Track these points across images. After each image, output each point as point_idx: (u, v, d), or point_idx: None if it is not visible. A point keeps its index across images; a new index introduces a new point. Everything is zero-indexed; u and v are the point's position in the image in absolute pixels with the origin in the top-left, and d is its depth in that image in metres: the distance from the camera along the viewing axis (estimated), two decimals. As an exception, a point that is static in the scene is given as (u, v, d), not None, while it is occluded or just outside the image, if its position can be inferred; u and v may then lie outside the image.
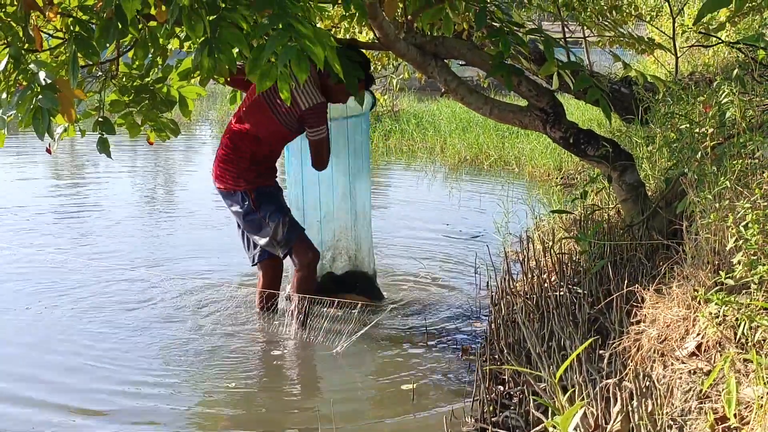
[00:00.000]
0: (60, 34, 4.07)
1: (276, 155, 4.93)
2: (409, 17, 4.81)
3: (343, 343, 4.55)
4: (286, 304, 4.97)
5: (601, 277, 4.31)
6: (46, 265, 6.22)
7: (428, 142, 12.22)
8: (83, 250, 6.70)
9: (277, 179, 5.00)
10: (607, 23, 7.07)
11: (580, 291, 4.31)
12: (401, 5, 4.80)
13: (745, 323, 2.52)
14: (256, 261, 5.00)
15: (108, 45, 3.61)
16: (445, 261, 6.39)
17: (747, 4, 6.15)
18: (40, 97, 3.35)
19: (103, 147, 4.26)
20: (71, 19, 3.71)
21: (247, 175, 4.77)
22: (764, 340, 2.52)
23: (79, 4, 3.82)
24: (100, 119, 4.25)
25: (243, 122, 4.81)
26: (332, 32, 5.91)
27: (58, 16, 3.77)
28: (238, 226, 4.96)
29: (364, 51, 5.06)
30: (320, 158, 4.79)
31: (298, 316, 4.78)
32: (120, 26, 3.37)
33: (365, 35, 6.28)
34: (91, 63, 4.02)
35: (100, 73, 4.39)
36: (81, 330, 4.99)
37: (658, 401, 2.70)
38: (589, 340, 2.59)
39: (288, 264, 4.99)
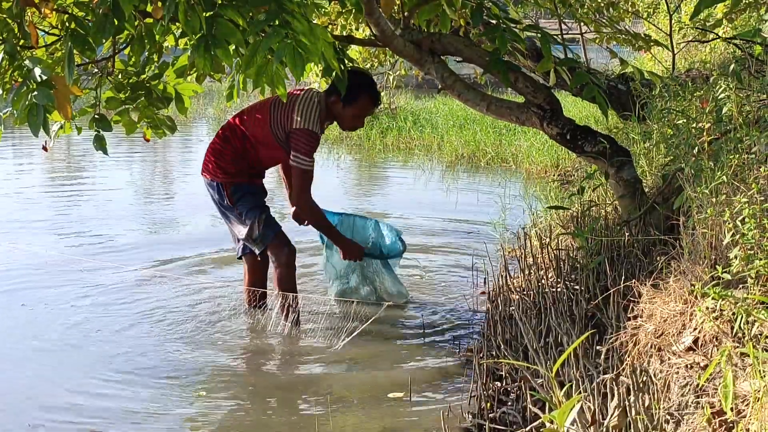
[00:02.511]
0: (56, 31, 4.07)
1: (263, 164, 4.89)
2: (406, 14, 4.81)
3: (341, 341, 4.54)
4: (275, 302, 4.96)
5: (598, 273, 4.32)
6: (40, 261, 6.22)
7: (425, 140, 12.22)
8: (78, 245, 6.71)
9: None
10: (604, 20, 7.07)
11: (577, 287, 4.32)
12: (398, 2, 4.80)
13: (741, 317, 2.52)
14: (240, 254, 5.00)
15: (104, 41, 3.61)
16: (442, 257, 6.38)
17: (743, 1, 6.16)
18: (35, 93, 3.35)
19: (100, 144, 4.26)
20: (67, 15, 3.71)
21: (228, 168, 4.74)
22: (761, 334, 2.52)
23: (75, 0, 3.81)
24: (96, 116, 4.25)
25: (242, 118, 4.80)
26: (329, 29, 5.91)
27: (54, 12, 3.77)
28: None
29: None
30: (300, 191, 4.68)
31: (288, 315, 4.77)
32: (116, 23, 3.37)
33: (362, 32, 6.28)
34: (87, 60, 4.02)
35: (96, 70, 4.38)
36: (62, 327, 5.00)
37: (655, 396, 2.70)
38: (587, 334, 2.59)
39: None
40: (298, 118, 4.59)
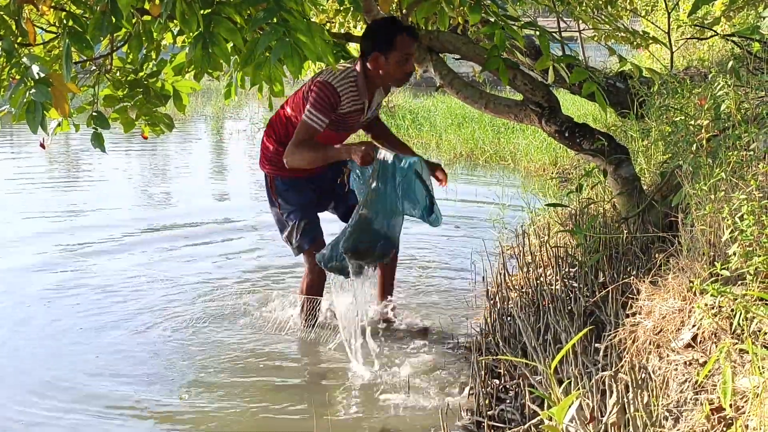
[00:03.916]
0: (53, 28, 4.06)
1: None
2: (404, 11, 4.81)
3: (337, 340, 4.54)
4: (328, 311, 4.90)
5: (596, 270, 4.31)
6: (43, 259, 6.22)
7: (424, 138, 12.22)
8: (77, 241, 6.72)
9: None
10: (602, 17, 7.07)
11: (575, 284, 4.31)
12: (396, -1, 4.79)
13: (740, 314, 2.52)
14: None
15: (102, 39, 3.61)
16: (440, 255, 6.38)
17: (741, -2, 6.17)
18: (33, 91, 3.34)
19: (98, 142, 4.26)
20: (65, 12, 3.70)
21: (271, 158, 4.53)
22: (759, 331, 2.52)
23: (73, -2, 3.81)
24: (94, 114, 4.25)
25: (285, 106, 4.53)
26: (327, 26, 5.90)
27: (52, 9, 3.76)
28: None
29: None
30: (296, 143, 4.20)
31: (306, 319, 4.73)
32: (114, 20, 3.36)
33: (360, 29, 6.27)
34: (85, 57, 4.01)
35: (93, 68, 4.38)
36: (51, 323, 5.01)
37: (654, 393, 2.70)
38: (585, 330, 2.59)
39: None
40: (323, 75, 4.29)
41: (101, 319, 5.07)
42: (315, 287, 4.69)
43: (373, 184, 4.10)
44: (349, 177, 4.47)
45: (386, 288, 4.95)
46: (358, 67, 4.32)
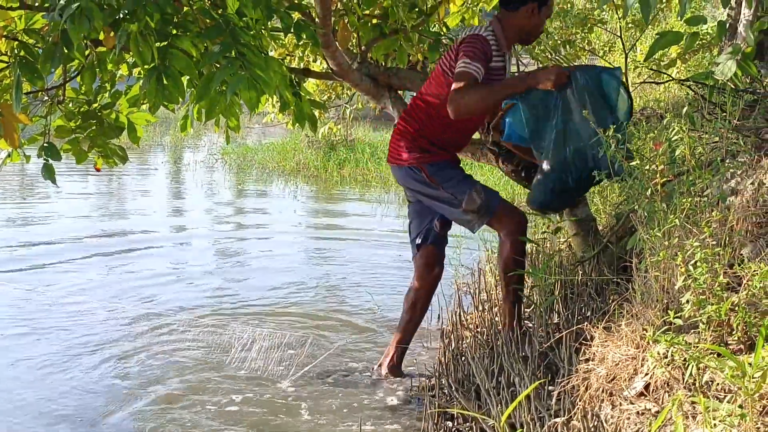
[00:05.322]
0: (5, 58, 3.98)
1: (454, 131, 4.28)
2: (363, 48, 4.81)
3: (290, 375, 4.47)
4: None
5: (551, 311, 4.30)
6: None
7: (382, 172, 12.24)
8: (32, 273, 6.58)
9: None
10: (559, 58, 7.13)
11: (530, 325, 4.29)
12: (355, 36, 4.79)
13: (692, 365, 2.50)
14: (415, 253, 4.54)
15: (53, 70, 3.54)
16: (396, 293, 6.33)
17: (697, 42, 6.25)
18: (-19, 121, 3.28)
19: (48, 174, 4.17)
20: (16, 42, 3.64)
21: (415, 147, 4.30)
22: (712, 381, 2.51)
23: (25, 27, 3.74)
24: (45, 145, 4.16)
25: (420, 95, 4.34)
26: (286, 61, 5.88)
27: (3, 39, 3.69)
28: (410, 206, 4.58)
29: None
30: (457, 89, 3.92)
31: (511, 302, 4.35)
32: (66, 51, 3.30)
33: (319, 64, 6.27)
34: (36, 88, 3.94)
35: (46, 98, 4.30)
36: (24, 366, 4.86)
37: (606, 441, 2.68)
38: (537, 383, 2.56)
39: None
40: (464, 34, 4.12)
41: (35, 352, 4.93)
42: (516, 250, 4.25)
43: (575, 110, 3.90)
44: (502, 118, 4.16)
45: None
46: (492, 25, 4.15)
